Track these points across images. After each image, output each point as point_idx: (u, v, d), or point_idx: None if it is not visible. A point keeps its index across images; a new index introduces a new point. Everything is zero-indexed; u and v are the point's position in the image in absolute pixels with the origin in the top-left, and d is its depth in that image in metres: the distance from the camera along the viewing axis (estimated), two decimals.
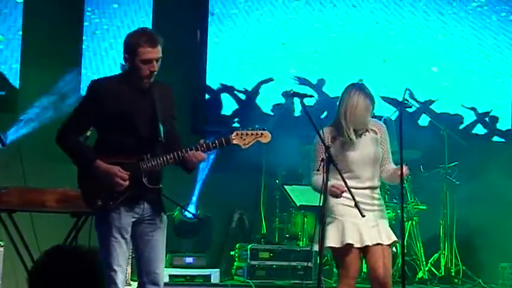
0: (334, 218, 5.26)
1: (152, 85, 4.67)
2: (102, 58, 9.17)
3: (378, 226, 5.29)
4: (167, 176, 4.82)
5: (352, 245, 5.22)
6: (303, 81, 9.52)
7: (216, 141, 4.63)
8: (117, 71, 8.61)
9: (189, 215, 8.22)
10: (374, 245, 5.26)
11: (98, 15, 9.23)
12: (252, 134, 4.67)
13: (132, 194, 4.62)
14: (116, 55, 9.07)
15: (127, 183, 4.57)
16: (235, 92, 9.51)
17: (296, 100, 5.30)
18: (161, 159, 4.59)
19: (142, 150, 4.60)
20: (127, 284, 6.64)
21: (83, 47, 9.05)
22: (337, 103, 5.39)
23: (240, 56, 9.55)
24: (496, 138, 10.11)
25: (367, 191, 5.34)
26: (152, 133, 4.61)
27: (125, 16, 9.26)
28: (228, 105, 9.52)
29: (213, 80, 9.47)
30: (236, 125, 9.44)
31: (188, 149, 4.61)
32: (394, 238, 5.37)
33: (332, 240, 5.25)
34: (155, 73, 4.61)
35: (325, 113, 9.08)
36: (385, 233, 5.31)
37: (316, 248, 5.30)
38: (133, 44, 4.58)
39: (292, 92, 5.23)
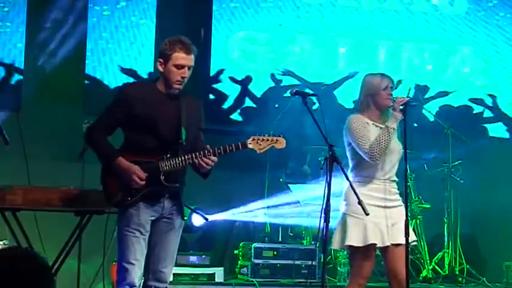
0: (356, 217, 5.21)
1: (181, 94, 4.85)
2: (104, 53, 9.21)
3: (397, 224, 5.22)
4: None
5: (375, 245, 5.19)
6: (286, 73, 9.54)
7: (233, 145, 4.78)
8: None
9: (196, 224, 8.21)
10: (394, 244, 5.21)
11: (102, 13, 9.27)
12: (267, 140, 4.83)
13: (150, 191, 4.77)
14: (118, 53, 9.11)
15: (143, 182, 4.72)
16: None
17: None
18: (179, 158, 4.74)
19: (163, 151, 4.76)
20: None
21: (87, 41, 9.11)
22: (360, 92, 5.44)
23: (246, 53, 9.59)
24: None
25: (389, 185, 5.30)
26: (174, 135, 4.77)
27: (130, 14, 9.30)
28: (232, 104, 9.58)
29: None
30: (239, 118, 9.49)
31: (206, 151, 4.73)
32: (413, 237, 5.32)
33: (354, 239, 5.23)
34: (186, 80, 4.78)
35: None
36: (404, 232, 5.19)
37: (333, 246, 5.34)
38: (168, 49, 4.76)
39: (294, 90, 5.23)
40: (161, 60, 4.79)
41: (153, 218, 4.81)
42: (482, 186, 9.10)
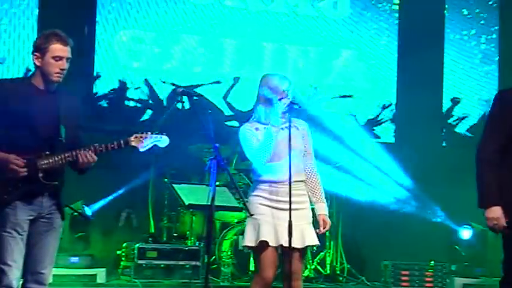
0: (251, 217, 5.24)
1: (58, 90, 4.75)
2: None
3: (294, 227, 5.12)
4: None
5: (267, 242, 5.17)
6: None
7: (115, 143, 4.71)
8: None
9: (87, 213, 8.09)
10: (288, 247, 5.14)
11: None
12: (150, 138, 4.79)
13: (28, 189, 4.63)
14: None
15: (24, 170, 4.57)
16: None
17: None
18: (59, 156, 4.64)
19: (40, 148, 4.64)
20: None
21: None
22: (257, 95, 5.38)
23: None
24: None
25: (284, 187, 5.21)
26: (52, 132, 4.66)
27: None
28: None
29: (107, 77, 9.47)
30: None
31: (86, 149, 4.66)
32: (309, 242, 5.28)
33: (248, 239, 5.24)
34: (65, 72, 4.69)
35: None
36: (299, 236, 5.19)
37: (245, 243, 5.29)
38: (44, 42, 4.68)
39: (181, 90, 5.23)
40: (37, 54, 4.70)
41: (31, 217, 4.67)
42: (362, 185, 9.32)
